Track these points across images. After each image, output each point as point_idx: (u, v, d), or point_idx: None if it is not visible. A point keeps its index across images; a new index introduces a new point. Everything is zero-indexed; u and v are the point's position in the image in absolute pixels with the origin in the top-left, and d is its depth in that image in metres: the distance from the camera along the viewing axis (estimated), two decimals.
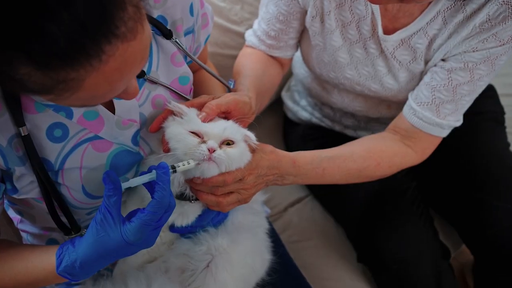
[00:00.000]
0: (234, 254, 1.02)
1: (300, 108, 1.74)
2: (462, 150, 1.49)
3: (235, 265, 1.02)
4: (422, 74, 1.28)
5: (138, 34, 0.67)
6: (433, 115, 1.23)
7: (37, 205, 0.96)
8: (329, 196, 1.61)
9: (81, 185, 0.93)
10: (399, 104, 1.39)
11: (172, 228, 1.03)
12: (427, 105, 1.23)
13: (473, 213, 1.44)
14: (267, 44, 1.37)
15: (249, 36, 1.42)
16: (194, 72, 1.16)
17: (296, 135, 1.72)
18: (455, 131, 1.30)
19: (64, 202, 0.94)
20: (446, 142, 1.32)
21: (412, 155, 1.27)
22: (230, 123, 0.99)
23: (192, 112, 0.98)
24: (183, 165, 0.90)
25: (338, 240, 1.58)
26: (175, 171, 0.90)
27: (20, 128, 0.84)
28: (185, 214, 1.00)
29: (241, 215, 1.10)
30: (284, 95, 1.82)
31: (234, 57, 1.51)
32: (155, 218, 0.83)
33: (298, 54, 1.55)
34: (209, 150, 0.91)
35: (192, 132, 0.94)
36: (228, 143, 0.95)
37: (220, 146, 0.93)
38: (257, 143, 1.01)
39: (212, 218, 1.05)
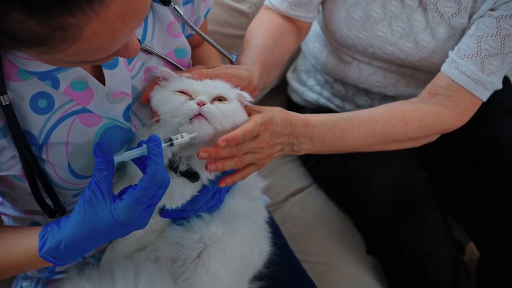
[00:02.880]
0: (229, 244, 0.99)
1: (307, 89, 1.71)
2: (474, 141, 1.46)
3: (230, 255, 1.00)
4: (463, 31, 1.25)
5: None
6: (477, 69, 1.19)
7: (19, 184, 0.93)
8: (336, 184, 1.57)
9: (67, 162, 0.90)
10: (419, 82, 1.37)
11: (163, 212, 1.01)
12: (471, 57, 1.19)
13: (484, 206, 1.43)
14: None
15: None
16: (192, 48, 1.13)
17: None
18: (468, 121, 1.27)
19: (48, 181, 0.91)
20: (457, 132, 1.30)
21: (448, 115, 1.22)
22: (221, 82, 0.97)
23: (180, 77, 0.96)
24: (176, 138, 0.87)
25: (343, 232, 1.55)
26: (171, 145, 0.87)
27: (1, 97, 0.81)
28: (178, 194, 0.97)
29: (238, 200, 1.07)
30: (290, 76, 1.79)
31: (236, 36, 1.50)
32: (148, 195, 0.81)
33: (312, 28, 1.53)
34: (198, 105, 0.88)
35: (180, 92, 0.91)
36: (220, 99, 0.92)
37: (211, 102, 0.91)
38: (252, 99, 0.98)
39: (206, 202, 1.02)
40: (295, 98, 1.76)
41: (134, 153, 0.84)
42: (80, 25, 0.61)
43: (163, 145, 0.85)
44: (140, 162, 0.86)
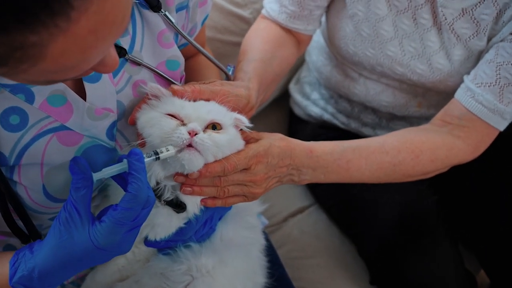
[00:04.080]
0: (219, 277, 0.95)
1: (310, 103, 1.66)
2: (489, 163, 1.40)
3: None
4: (480, 54, 1.21)
5: None
6: (495, 98, 1.14)
7: None
8: (340, 206, 1.53)
9: (42, 184, 0.87)
10: (431, 102, 1.36)
11: (148, 241, 0.96)
12: (489, 86, 1.15)
13: (497, 233, 1.39)
14: (289, 11, 1.29)
15: (269, 3, 1.34)
16: (188, 58, 1.10)
17: (303, 134, 1.62)
18: None
19: (20, 204, 0.87)
20: None
21: (462, 147, 1.18)
22: (216, 105, 0.93)
23: (172, 95, 0.92)
24: (161, 152, 0.83)
25: (345, 259, 1.51)
26: (158, 158, 0.83)
27: None
28: (161, 227, 0.92)
29: (232, 229, 1.02)
30: (292, 88, 1.75)
31: (236, 44, 1.47)
32: (130, 216, 0.77)
33: (315, 39, 1.54)
34: (189, 134, 0.83)
35: (170, 115, 0.87)
36: (215, 127, 0.88)
37: (204, 131, 0.87)
38: (250, 125, 0.95)
39: (196, 231, 0.97)
40: (297, 111, 1.73)
41: (115, 169, 0.80)
42: (43, 43, 0.55)
43: (147, 159, 0.82)
44: (121, 179, 0.82)
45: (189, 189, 0.90)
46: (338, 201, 1.52)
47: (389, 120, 1.52)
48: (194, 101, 0.92)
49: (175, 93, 0.91)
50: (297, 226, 1.57)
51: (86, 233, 0.76)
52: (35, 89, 0.81)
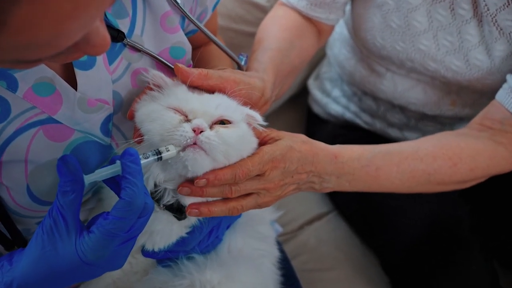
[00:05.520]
0: None
1: (331, 100, 1.62)
2: None
3: None
4: None
5: None
6: None
7: None
8: (361, 214, 1.48)
9: (26, 185, 0.83)
10: (467, 100, 1.32)
11: (145, 251, 0.90)
12: None
13: None
14: None
15: None
16: (196, 48, 1.06)
17: (322, 135, 1.59)
18: None
19: (2, 207, 0.84)
20: None
21: (504, 155, 1.11)
22: (225, 98, 0.86)
23: (176, 86, 0.85)
24: (161, 152, 0.77)
25: (367, 272, 1.46)
26: (160, 159, 0.77)
27: None
28: (160, 235, 0.87)
29: (241, 239, 0.97)
30: (311, 84, 1.71)
31: (251, 34, 1.42)
32: (123, 226, 0.71)
33: (337, 31, 1.51)
34: (194, 131, 0.77)
35: (173, 109, 0.82)
36: (223, 123, 0.82)
37: (211, 127, 0.80)
38: (264, 123, 0.88)
39: (200, 241, 0.91)
40: (316, 109, 1.69)
41: (109, 171, 0.74)
42: (4, 9, 0.47)
43: (144, 161, 0.75)
44: (115, 184, 0.77)
45: (196, 212, 0.84)
46: (360, 208, 1.47)
47: (418, 120, 1.48)
48: (200, 90, 0.86)
49: (178, 72, 0.84)
50: (314, 235, 1.53)
51: (72, 245, 0.72)
52: (19, 75, 0.76)
